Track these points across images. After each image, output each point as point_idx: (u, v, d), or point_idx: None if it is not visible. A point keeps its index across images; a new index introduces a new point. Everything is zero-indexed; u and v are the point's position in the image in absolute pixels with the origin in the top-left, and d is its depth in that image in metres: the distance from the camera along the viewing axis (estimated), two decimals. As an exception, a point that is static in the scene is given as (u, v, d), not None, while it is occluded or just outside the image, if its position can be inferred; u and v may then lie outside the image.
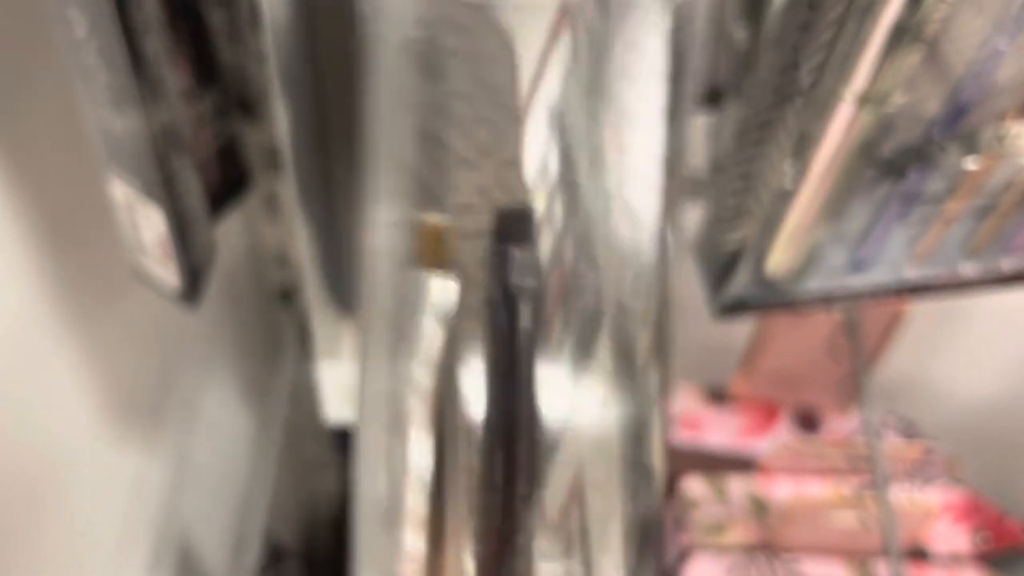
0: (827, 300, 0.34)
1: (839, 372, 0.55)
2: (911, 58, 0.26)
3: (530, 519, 0.19)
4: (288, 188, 0.53)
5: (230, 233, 0.53)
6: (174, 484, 0.49)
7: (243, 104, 0.41)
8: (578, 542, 0.19)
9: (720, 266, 0.35)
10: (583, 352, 0.19)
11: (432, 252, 0.18)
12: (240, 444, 0.60)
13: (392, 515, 0.19)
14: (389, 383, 0.19)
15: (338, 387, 0.62)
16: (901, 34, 0.26)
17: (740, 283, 0.34)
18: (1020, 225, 0.32)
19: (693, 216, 0.38)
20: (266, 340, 0.62)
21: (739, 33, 0.36)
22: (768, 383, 0.57)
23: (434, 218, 0.18)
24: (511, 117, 0.18)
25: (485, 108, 0.18)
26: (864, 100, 0.27)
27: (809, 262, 0.33)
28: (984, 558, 0.53)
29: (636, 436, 0.20)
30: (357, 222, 0.20)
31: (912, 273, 0.34)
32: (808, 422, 0.58)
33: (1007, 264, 0.33)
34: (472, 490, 0.19)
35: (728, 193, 0.33)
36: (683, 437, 0.58)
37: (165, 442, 0.48)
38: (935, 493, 0.53)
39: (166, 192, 0.33)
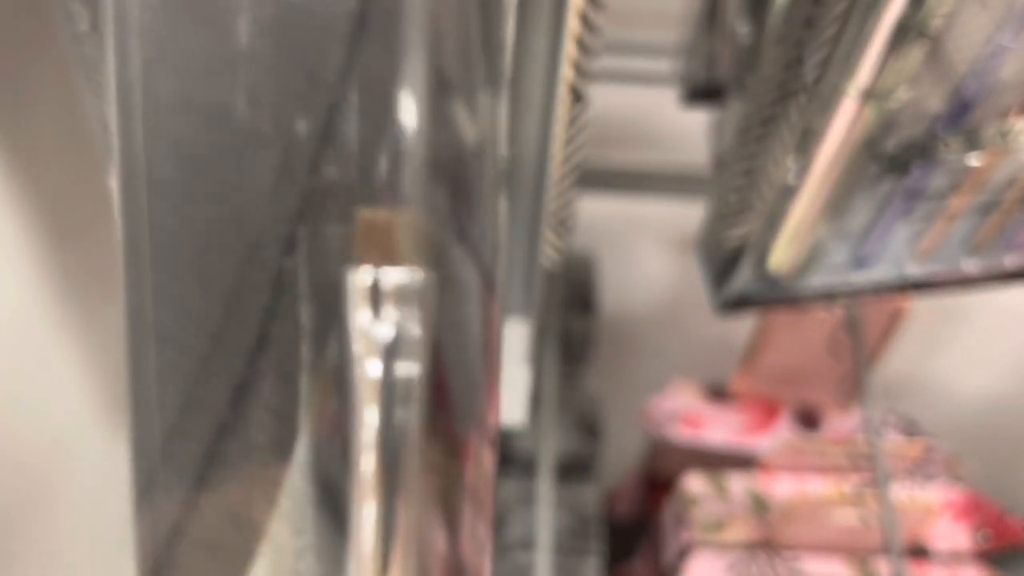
0: (829, 297, 0.34)
1: (840, 370, 0.55)
2: (915, 54, 0.26)
3: None
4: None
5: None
6: (175, 480, 0.49)
7: (245, 99, 0.41)
8: None
9: (722, 262, 0.35)
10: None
11: (372, 244, 0.17)
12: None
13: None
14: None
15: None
16: (905, 30, 0.26)
17: (742, 279, 0.34)
18: (1023, 222, 0.32)
19: (696, 213, 0.38)
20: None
21: (742, 28, 0.36)
22: (769, 381, 0.57)
23: (373, 212, 0.16)
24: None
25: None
26: (868, 96, 0.27)
27: (812, 259, 0.33)
28: (985, 556, 0.53)
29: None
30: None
31: (915, 270, 0.34)
32: (809, 420, 0.58)
33: (1010, 261, 0.33)
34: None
35: (731, 189, 0.33)
36: (683, 434, 0.58)
37: (166, 438, 0.48)
38: (936, 491, 0.53)
39: (168, 187, 0.32)
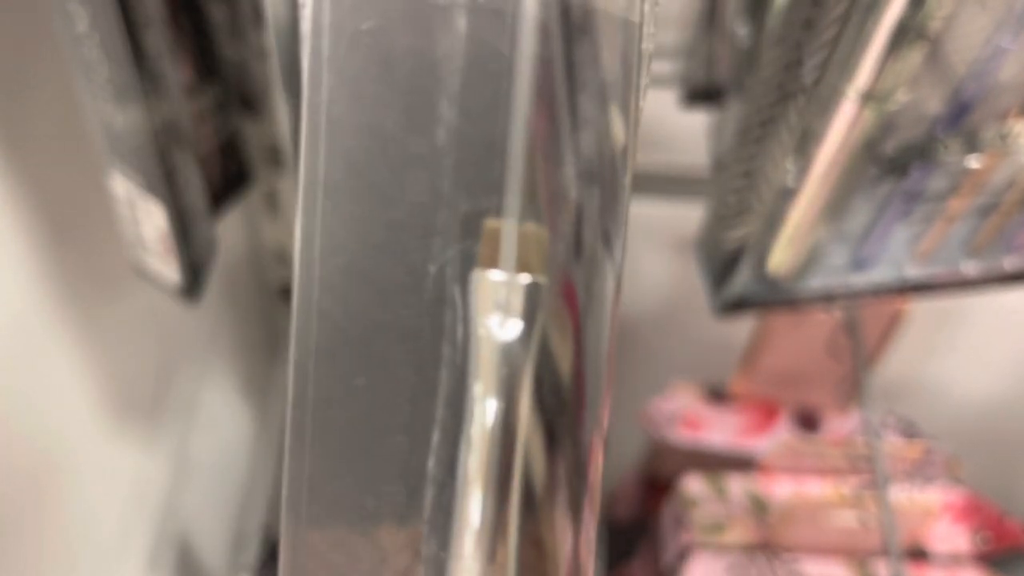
0: (828, 299, 0.34)
1: (839, 371, 0.55)
2: (914, 56, 0.26)
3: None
4: (289, 185, 0.53)
5: (231, 230, 0.53)
6: (173, 480, 0.49)
7: (244, 100, 0.41)
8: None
9: (721, 264, 0.35)
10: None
11: (493, 254, 0.18)
12: (240, 441, 0.60)
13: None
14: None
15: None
16: (904, 31, 0.26)
17: (741, 281, 0.34)
18: (1022, 224, 0.32)
19: (695, 214, 0.38)
20: (266, 337, 0.62)
21: (741, 30, 0.36)
22: (768, 382, 0.57)
23: (496, 221, 0.18)
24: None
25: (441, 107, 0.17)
26: (867, 98, 0.27)
27: (811, 260, 0.33)
28: (984, 558, 0.53)
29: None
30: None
31: (914, 272, 0.34)
32: (808, 421, 0.58)
33: (1009, 263, 0.33)
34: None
35: (730, 191, 0.33)
36: (683, 436, 0.58)
37: (165, 439, 0.48)
38: (935, 493, 0.53)
39: (167, 187, 0.33)
